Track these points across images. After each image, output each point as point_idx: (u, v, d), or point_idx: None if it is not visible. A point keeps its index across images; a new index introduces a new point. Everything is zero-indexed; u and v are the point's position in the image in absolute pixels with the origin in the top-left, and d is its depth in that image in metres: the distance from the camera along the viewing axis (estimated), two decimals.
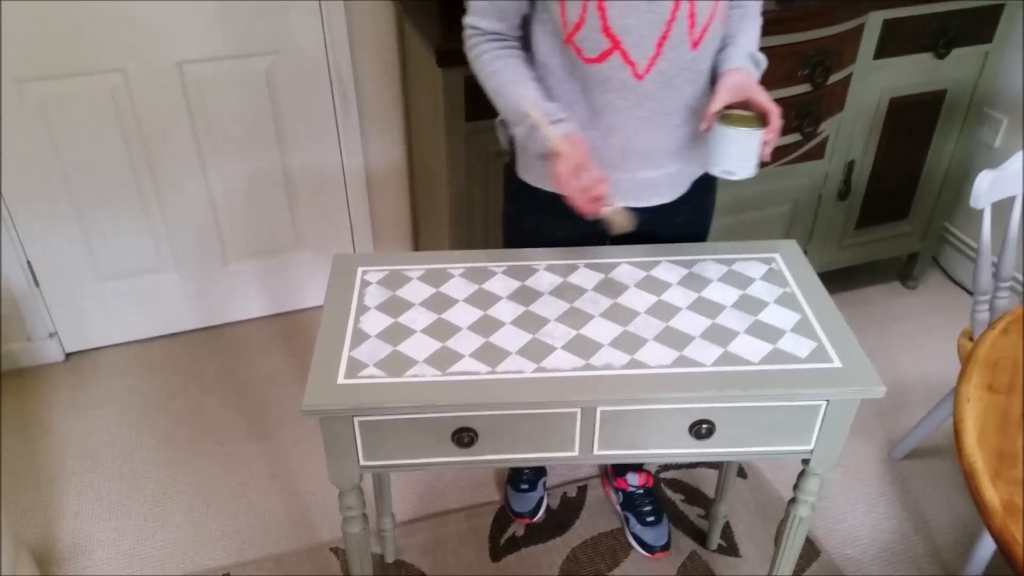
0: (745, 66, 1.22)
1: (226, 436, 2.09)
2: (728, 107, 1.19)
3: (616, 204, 1.18)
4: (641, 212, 1.38)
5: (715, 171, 1.21)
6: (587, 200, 1.19)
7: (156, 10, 1.95)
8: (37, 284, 2.21)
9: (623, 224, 1.18)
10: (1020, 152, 1.62)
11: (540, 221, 1.43)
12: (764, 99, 1.17)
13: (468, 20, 1.27)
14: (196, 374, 2.28)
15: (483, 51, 1.26)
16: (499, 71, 1.24)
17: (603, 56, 1.19)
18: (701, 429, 1.17)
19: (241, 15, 2.02)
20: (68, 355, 2.34)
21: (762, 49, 1.81)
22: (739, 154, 1.17)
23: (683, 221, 1.43)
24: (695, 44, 1.19)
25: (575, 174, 1.18)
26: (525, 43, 1.30)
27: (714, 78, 1.25)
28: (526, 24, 1.28)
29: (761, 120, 1.18)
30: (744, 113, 1.18)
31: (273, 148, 2.23)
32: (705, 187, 1.44)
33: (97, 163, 2.10)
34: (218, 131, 2.16)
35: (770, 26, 1.79)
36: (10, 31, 1.88)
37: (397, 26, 2.14)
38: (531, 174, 1.40)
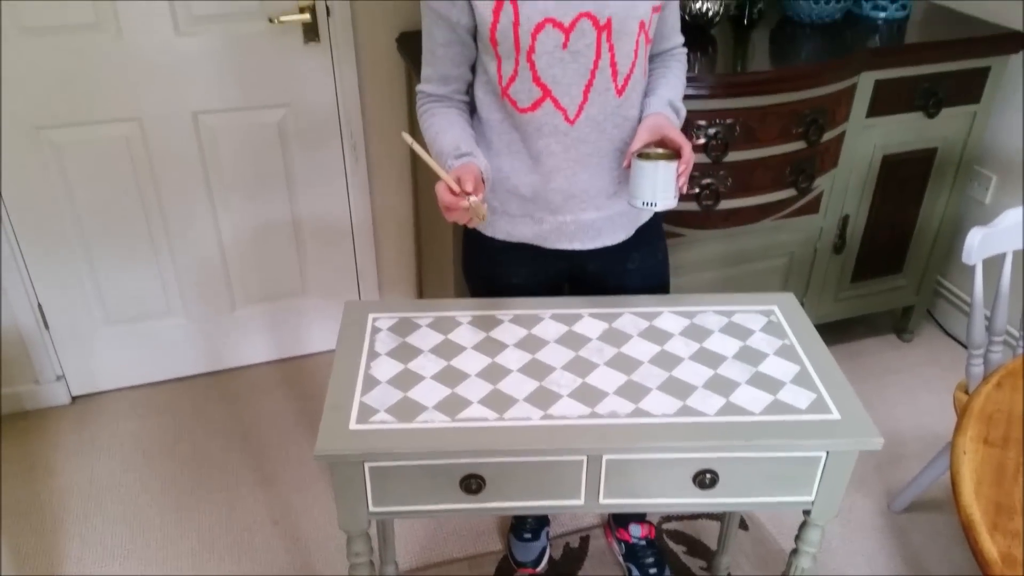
0: (663, 111, 1.34)
1: (230, 481, 2.10)
2: (647, 146, 1.29)
3: (476, 200, 1.19)
4: (592, 258, 1.46)
5: (636, 203, 1.29)
6: (450, 201, 1.20)
7: (174, 62, 2.02)
8: (47, 327, 2.24)
9: (480, 214, 1.20)
10: (1010, 210, 1.67)
11: (495, 269, 1.51)
12: (678, 136, 1.28)
13: (418, 87, 1.40)
14: (201, 419, 2.30)
15: (425, 109, 1.39)
16: (434, 124, 1.36)
17: (536, 104, 1.30)
18: (705, 479, 1.19)
19: (256, 69, 2.09)
20: (74, 398, 2.36)
21: (758, 108, 1.90)
22: (657, 186, 1.26)
23: (635, 268, 1.51)
24: (620, 91, 1.31)
25: (446, 187, 1.20)
26: (472, 109, 1.41)
27: None
28: (472, 91, 1.39)
29: (676, 156, 1.27)
30: (660, 151, 1.28)
31: (283, 195, 2.28)
32: (652, 235, 1.52)
33: (110, 208, 2.15)
34: (230, 179, 2.21)
35: (765, 86, 1.88)
36: (30, 79, 1.94)
37: (406, 81, 2.22)
38: (484, 223, 1.46)
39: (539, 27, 1.23)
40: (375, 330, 1.37)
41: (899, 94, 2.13)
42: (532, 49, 1.25)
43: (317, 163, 2.27)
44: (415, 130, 2.28)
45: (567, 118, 1.31)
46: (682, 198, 1.31)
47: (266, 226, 2.31)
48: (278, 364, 2.51)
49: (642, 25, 1.28)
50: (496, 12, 1.23)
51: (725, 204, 2.00)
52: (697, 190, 1.95)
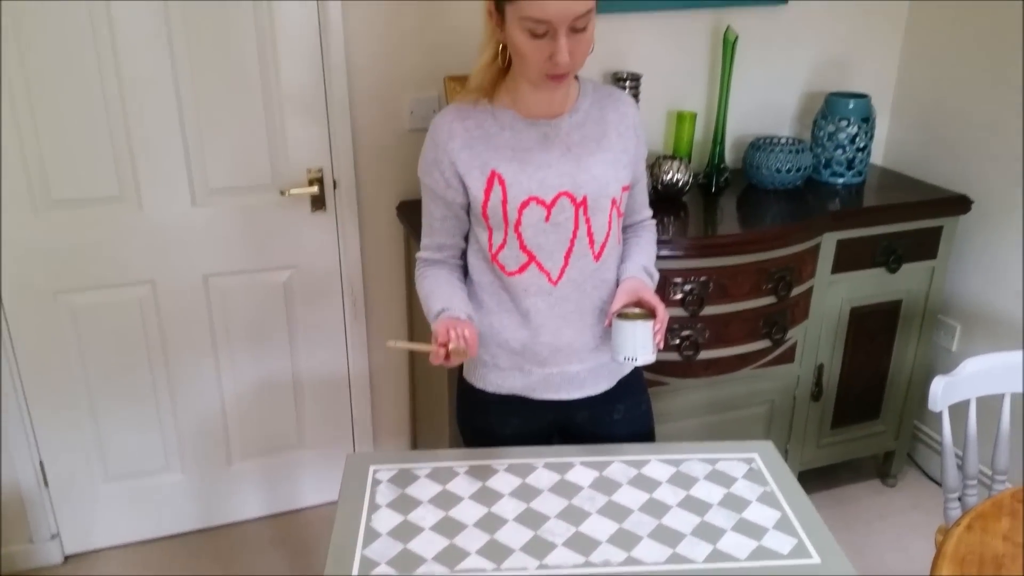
0: (638, 275, 1.50)
1: None
2: (626, 307, 1.43)
3: (455, 346, 1.33)
4: (579, 409, 1.56)
5: (619, 358, 1.41)
6: (433, 358, 1.34)
7: (189, 230, 2.17)
8: (46, 485, 2.27)
9: (461, 351, 1.33)
10: (969, 359, 1.78)
11: (487, 420, 1.60)
12: (652, 298, 1.44)
13: (417, 255, 1.56)
14: None
15: (420, 273, 1.54)
16: (424, 285, 1.51)
17: (522, 268, 1.46)
18: None
19: (266, 235, 2.25)
20: (67, 557, 2.34)
21: (729, 267, 2.07)
22: (637, 343, 1.39)
23: (621, 418, 1.61)
24: (597, 257, 1.47)
25: (440, 347, 1.34)
26: (465, 270, 1.56)
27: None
28: (465, 257, 1.55)
29: (652, 315, 1.41)
30: (638, 311, 1.42)
31: (284, 350, 2.38)
32: (635, 388, 1.64)
33: (117, 366, 2.23)
34: (235, 336, 2.32)
35: (734, 247, 2.05)
36: (53, 247, 2.08)
37: (405, 244, 2.38)
38: (475, 376, 1.57)
39: (524, 204, 1.40)
40: (375, 482, 1.43)
41: (860, 252, 2.30)
42: (519, 222, 1.42)
43: (319, 319, 2.38)
44: (411, 290, 2.42)
45: (551, 280, 1.46)
46: (664, 349, 1.43)
47: (267, 380, 2.39)
48: (271, 520, 2.51)
49: (614, 202, 1.45)
50: (487, 192, 1.40)
51: (705, 354, 2.11)
52: (678, 341, 2.07)
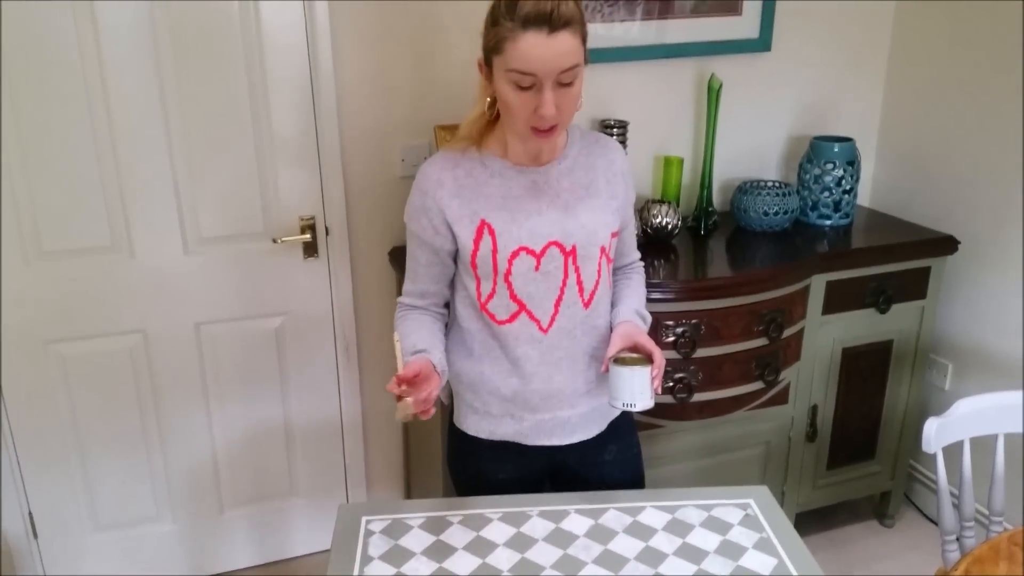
0: (632, 319, 1.50)
1: None
2: (621, 351, 1.43)
3: (408, 400, 1.28)
4: (571, 452, 1.56)
5: (617, 404, 1.40)
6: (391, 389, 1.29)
7: (181, 278, 2.18)
8: (35, 536, 2.23)
9: (406, 413, 1.27)
10: (961, 400, 1.78)
11: (479, 466, 1.59)
12: (648, 343, 1.43)
13: (399, 299, 1.56)
14: None
15: (400, 316, 1.54)
16: (402, 327, 1.50)
17: (512, 317, 1.46)
18: None
19: (258, 282, 2.25)
20: None
21: (720, 309, 2.07)
22: (635, 389, 1.38)
23: (612, 459, 1.61)
24: (587, 304, 1.48)
25: (397, 379, 1.30)
26: (445, 317, 1.56)
27: (610, 331, 1.51)
28: (448, 304, 1.55)
29: (649, 360, 1.40)
30: (634, 355, 1.42)
31: (276, 397, 2.37)
32: (625, 430, 1.63)
33: (108, 416, 2.22)
34: (226, 383, 2.30)
35: (724, 290, 2.06)
36: (43, 297, 2.08)
37: (397, 289, 2.37)
38: (466, 423, 1.57)
39: (514, 254, 1.41)
40: (368, 533, 1.42)
41: (850, 293, 2.32)
42: (509, 272, 1.42)
43: (311, 365, 2.38)
44: None
45: (541, 328, 1.46)
46: (659, 392, 1.42)
47: (258, 428, 2.38)
48: (263, 569, 2.48)
49: (603, 249, 1.47)
50: (476, 242, 1.41)
51: (699, 397, 2.11)
52: (671, 384, 2.07)
